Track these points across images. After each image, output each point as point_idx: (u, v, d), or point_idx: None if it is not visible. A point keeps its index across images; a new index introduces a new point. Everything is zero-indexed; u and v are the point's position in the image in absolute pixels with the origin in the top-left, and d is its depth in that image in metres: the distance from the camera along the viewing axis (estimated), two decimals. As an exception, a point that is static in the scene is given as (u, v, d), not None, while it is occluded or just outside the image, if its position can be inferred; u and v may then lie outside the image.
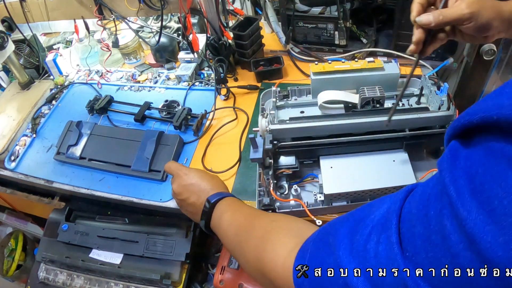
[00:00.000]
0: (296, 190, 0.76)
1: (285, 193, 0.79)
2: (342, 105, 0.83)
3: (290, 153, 0.78)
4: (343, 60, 0.88)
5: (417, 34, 0.60)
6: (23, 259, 1.45)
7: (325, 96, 0.81)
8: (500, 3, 0.60)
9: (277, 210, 0.74)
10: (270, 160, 0.75)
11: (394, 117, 0.73)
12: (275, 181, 0.77)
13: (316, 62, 0.84)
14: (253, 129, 0.78)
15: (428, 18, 0.58)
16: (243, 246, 0.54)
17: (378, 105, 0.78)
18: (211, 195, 0.66)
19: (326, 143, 0.75)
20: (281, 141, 0.76)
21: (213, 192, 0.67)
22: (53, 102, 1.23)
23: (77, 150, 1.00)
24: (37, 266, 0.98)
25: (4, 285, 1.46)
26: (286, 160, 0.79)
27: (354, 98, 0.80)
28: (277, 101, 0.88)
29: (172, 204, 0.87)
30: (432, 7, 0.62)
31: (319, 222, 0.71)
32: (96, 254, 0.94)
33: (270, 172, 0.74)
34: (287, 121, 0.79)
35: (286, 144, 0.76)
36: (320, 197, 0.74)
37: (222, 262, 0.87)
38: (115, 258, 0.93)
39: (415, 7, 0.60)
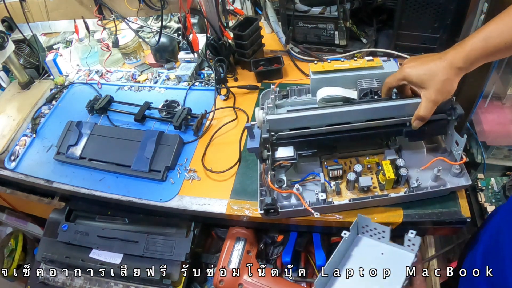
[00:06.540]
0: (297, 189, 0.76)
1: (284, 186, 0.78)
2: (341, 102, 0.82)
3: (288, 144, 0.76)
4: (342, 59, 0.88)
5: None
6: (23, 259, 1.45)
7: (324, 92, 0.81)
8: (450, 59, 0.64)
9: (279, 210, 0.74)
10: (268, 153, 0.74)
11: (393, 103, 0.72)
12: (273, 173, 0.76)
13: (316, 62, 0.84)
14: (251, 123, 0.77)
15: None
16: None
17: (376, 96, 0.77)
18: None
19: (324, 131, 0.73)
20: (278, 132, 0.75)
21: None
22: (53, 102, 1.23)
23: (77, 150, 1.00)
24: (37, 266, 0.98)
25: (4, 285, 1.46)
26: (284, 152, 0.78)
27: (353, 94, 0.80)
28: (276, 99, 0.88)
29: (172, 204, 0.88)
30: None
31: (317, 214, 0.72)
32: (96, 254, 0.94)
33: (268, 162, 0.74)
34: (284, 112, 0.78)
35: (284, 134, 0.74)
36: (321, 196, 0.74)
37: (222, 262, 0.87)
38: (115, 258, 0.93)
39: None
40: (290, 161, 0.77)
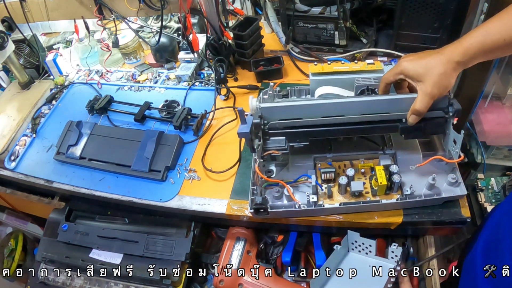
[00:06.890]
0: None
1: (273, 176, 0.78)
2: None
3: (280, 135, 0.75)
4: (342, 61, 0.88)
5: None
6: (23, 259, 1.45)
7: (321, 90, 0.81)
8: (447, 54, 0.64)
9: (269, 210, 0.74)
10: (259, 142, 0.73)
11: (389, 97, 0.71)
12: (262, 160, 0.75)
13: (316, 63, 0.84)
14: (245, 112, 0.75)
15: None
16: None
17: (373, 94, 0.77)
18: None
19: (317, 123, 0.72)
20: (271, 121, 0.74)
21: None
22: (53, 102, 1.23)
23: (77, 150, 1.00)
24: (37, 266, 0.98)
25: (4, 285, 1.46)
26: (275, 142, 0.76)
27: (351, 94, 0.80)
28: (275, 97, 0.88)
29: (172, 204, 0.88)
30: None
31: (304, 206, 0.73)
32: (96, 254, 0.94)
33: (259, 148, 0.73)
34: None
35: (276, 123, 0.73)
36: (312, 198, 0.74)
37: (222, 262, 0.87)
38: (115, 258, 0.93)
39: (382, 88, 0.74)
40: (281, 151, 0.75)
